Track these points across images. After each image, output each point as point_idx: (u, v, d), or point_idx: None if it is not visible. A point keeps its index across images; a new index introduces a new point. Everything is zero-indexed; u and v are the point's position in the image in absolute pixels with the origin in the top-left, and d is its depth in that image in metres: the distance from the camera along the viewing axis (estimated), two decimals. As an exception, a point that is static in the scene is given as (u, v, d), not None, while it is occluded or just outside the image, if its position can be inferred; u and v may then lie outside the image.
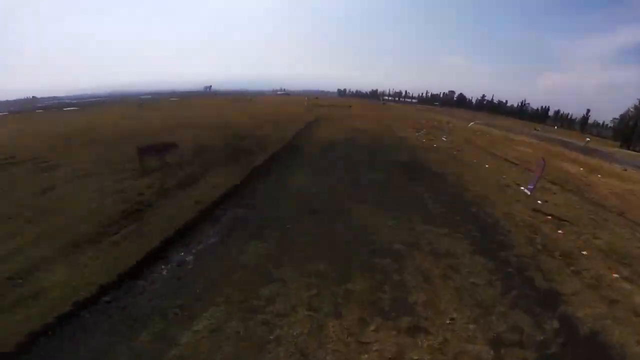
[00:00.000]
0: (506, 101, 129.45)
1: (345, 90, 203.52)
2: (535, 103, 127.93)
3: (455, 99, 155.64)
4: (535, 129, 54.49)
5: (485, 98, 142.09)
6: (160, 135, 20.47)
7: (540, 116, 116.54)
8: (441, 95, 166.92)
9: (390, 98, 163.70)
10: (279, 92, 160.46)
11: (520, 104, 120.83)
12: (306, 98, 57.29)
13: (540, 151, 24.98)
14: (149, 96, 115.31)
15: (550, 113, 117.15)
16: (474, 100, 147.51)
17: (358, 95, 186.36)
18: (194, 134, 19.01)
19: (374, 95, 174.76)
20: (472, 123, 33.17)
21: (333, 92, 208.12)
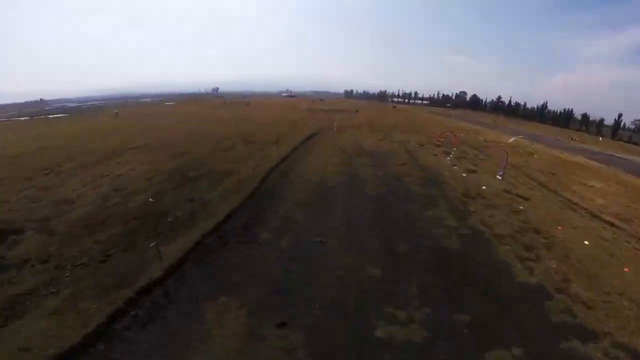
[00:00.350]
0: (525, 103, 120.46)
1: (352, 91, 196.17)
2: (545, 104, 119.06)
3: (468, 100, 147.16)
4: (572, 139, 46.80)
5: (501, 99, 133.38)
6: (82, 168, 14.38)
7: (563, 120, 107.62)
8: (453, 97, 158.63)
9: (399, 99, 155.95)
10: (284, 94, 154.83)
11: (541, 107, 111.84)
12: (304, 108, 50.34)
13: (616, 185, 17.95)
14: (148, 99, 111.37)
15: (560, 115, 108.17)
16: (488, 102, 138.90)
17: (365, 96, 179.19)
18: (120, 176, 12.68)
19: (382, 96, 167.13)
20: (513, 139, 26.14)
21: (340, 94, 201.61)
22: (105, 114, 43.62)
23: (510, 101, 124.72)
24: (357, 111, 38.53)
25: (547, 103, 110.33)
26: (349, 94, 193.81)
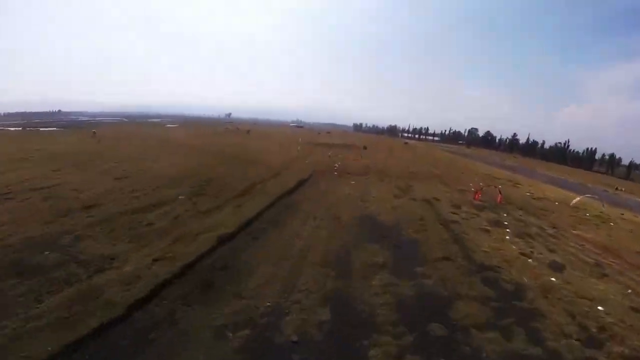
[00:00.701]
0: (543, 142, 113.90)
1: (361, 124, 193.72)
2: (554, 138, 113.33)
3: (481, 137, 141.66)
4: (617, 189, 39.50)
5: (516, 137, 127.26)
6: None
7: (585, 160, 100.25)
8: (465, 133, 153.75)
9: (409, 135, 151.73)
10: (291, 124, 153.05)
11: (563, 145, 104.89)
12: (307, 141, 44.50)
13: None
14: (158, 119, 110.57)
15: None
16: (503, 139, 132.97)
17: (375, 130, 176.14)
18: None
19: (392, 131, 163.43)
20: (577, 199, 19.33)
21: (349, 126, 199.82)
22: (83, 134, 38.60)
23: (528, 139, 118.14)
24: (365, 147, 32.76)
25: (569, 141, 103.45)
26: (358, 128, 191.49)
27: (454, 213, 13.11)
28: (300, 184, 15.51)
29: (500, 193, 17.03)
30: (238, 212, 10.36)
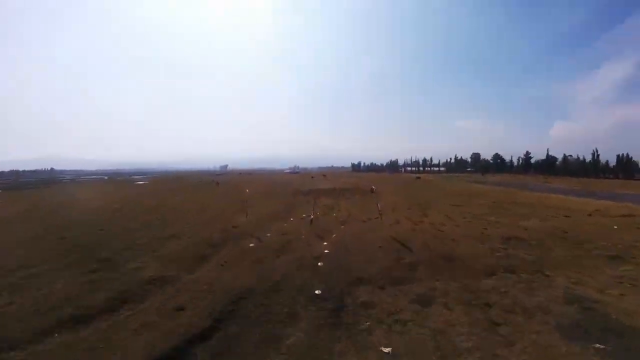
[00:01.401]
0: (569, 156, 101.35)
1: (359, 163, 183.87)
2: (596, 151, 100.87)
3: (490, 160, 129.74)
4: None
5: (530, 156, 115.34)
6: None
7: (619, 170, 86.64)
8: (469, 160, 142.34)
9: (412, 168, 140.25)
10: (286, 171, 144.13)
11: (592, 156, 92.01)
12: (249, 189, 32.24)
13: None
14: (140, 176, 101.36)
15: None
16: (514, 160, 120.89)
17: (374, 168, 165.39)
18: None
19: (394, 166, 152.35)
20: None
21: (347, 167, 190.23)
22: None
23: (548, 154, 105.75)
24: (372, 190, 20.26)
25: (597, 151, 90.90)
26: (356, 167, 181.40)
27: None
28: None
29: None
30: None
